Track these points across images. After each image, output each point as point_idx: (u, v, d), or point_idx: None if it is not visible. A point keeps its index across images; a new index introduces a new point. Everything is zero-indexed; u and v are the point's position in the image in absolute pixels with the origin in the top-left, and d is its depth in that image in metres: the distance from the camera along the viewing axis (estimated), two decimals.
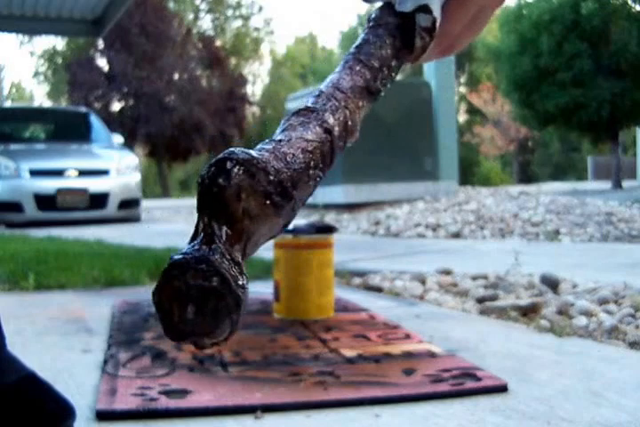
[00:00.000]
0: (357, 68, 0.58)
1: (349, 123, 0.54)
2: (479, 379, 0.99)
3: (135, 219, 7.30)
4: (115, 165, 7.13)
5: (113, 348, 1.21)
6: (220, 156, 0.47)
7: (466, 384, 0.97)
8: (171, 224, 7.27)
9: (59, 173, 6.77)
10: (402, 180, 7.11)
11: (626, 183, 13.02)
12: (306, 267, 1.47)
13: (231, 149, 0.49)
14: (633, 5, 12.43)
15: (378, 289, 2.04)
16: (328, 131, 0.52)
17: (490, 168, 36.32)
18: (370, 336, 1.29)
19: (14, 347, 0.81)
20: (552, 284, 1.93)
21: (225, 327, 0.44)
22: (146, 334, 1.32)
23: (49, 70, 35.78)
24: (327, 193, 7.02)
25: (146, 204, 8.93)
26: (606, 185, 12.82)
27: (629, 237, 4.28)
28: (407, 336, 1.29)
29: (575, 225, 4.69)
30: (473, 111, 33.72)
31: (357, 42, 0.61)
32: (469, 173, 30.16)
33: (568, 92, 12.07)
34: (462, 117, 35.19)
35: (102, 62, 28.74)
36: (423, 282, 2.12)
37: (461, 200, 6.21)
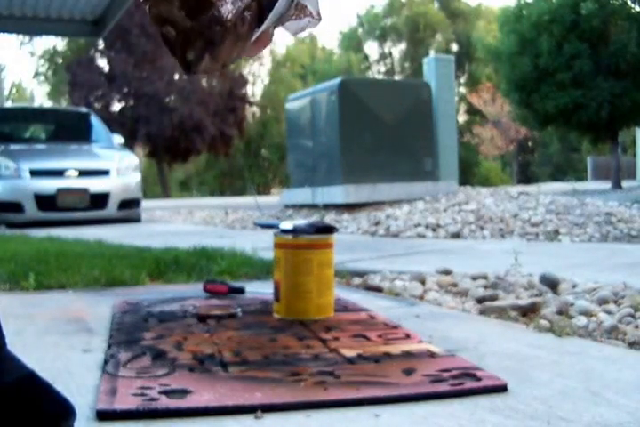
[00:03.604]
0: None
1: None
2: (479, 379, 0.99)
3: (135, 219, 7.30)
4: (115, 165, 7.13)
5: (113, 348, 1.21)
6: None
7: (466, 384, 0.97)
8: (171, 224, 7.28)
9: (59, 173, 6.77)
10: (402, 180, 7.11)
11: (625, 183, 13.03)
12: (306, 267, 1.47)
13: None
14: (633, 6, 12.43)
15: (378, 289, 2.04)
16: None
17: (489, 168, 36.35)
18: (370, 336, 1.29)
19: (14, 347, 0.81)
20: (552, 284, 1.94)
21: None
22: (146, 334, 1.32)
23: (49, 71, 35.83)
24: (327, 193, 7.02)
25: (146, 204, 8.93)
26: (606, 185, 12.82)
27: (629, 237, 4.28)
28: (407, 336, 1.29)
29: (575, 225, 4.70)
30: (473, 111, 33.73)
31: None
32: (469, 174, 30.17)
33: (568, 93, 12.08)
34: (462, 118, 35.22)
35: (102, 63, 28.78)
36: (423, 282, 2.12)
37: (461, 200, 6.22)
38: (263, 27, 0.70)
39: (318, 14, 0.76)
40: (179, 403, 0.89)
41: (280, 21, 0.74)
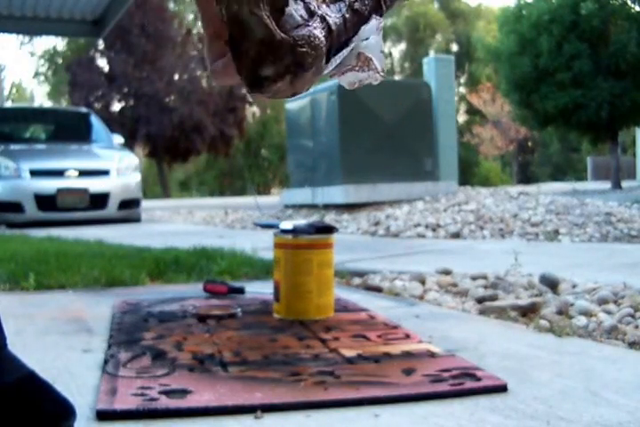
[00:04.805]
0: None
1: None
2: (479, 379, 0.99)
3: (135, 219, 7.30)
4: (115, 165, 7.13)
5: (113, 348, 1.21)
6: None
7: (465, 384, 0.97)
8: (171, 224, 7.28)
9: (59, 173, 6.77)
10: (402, 180, 7.11)
11: (625, 183, 13.02)
12: (306, 267, 1.47)
13: None
14: (632, 6, 12.42)
15: (378, 289, 2.04)
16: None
17: (489, 168, 36.33)
18: (370, 336, 1.29)
19: (15, 347, 0.81)
20: (552, 284, 1.94)
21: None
22: (146, 334, 1.32)
23: (49, 71, 35.82)
24: (327, 193, 7.02)
25: (146, 204, 8.93)
26: (605, 185, 12.82)
27: (629, 238, 4.28)
28: (407, 336, 1.29)
29: (575, 225, 4.70)
30: (473, 111, 33.72)
31: None
32: (469, 174, 30.16)
33: (567, 93, 12.07)
34: (462, 118, 35.20)
35: (102, 63, 28.76)
36: (423, 282, 2.12)
37: (461, 200, 6.22)
38: (326, 71, 0.67)
39: (383, 70, 0.73)
40: (179, 403, 0.89)
41: (339, 70, 0.68)
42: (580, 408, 0.88)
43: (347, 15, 0.67)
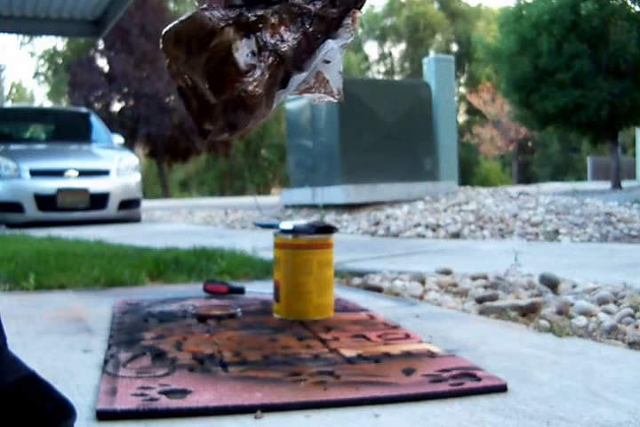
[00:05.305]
0: None
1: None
2: (479, 379, 0.99)
3: (135, 219, 7.30)
4: (115, 165, 7.13)
5: (113, 348, 1.21)
6: None
7: (465, 384, 0.97)
8: (171, 224, 7.27)
9: (59, 173, 6.76)
10: (402, 180, 7.11)
11: (625, 183, 13.03)
12: (306, 267, 1.47)
13: None
14: (633, 6, 12.42)
15: (378, 289, 2.04)
16: None
17: (489, 168, 36.33)
18: (370, 336, 1.29)
19: (15, 347, 0.81)
20: (551, 284, 1.94)
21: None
22: (146, 334, 1.32)
23: (49, 71, 35.80)
24: (327, 193, 7.02)
25: (146, 204, 8.93)
26: (605, 185, 12.82)
27: (629, 238, 4.28)
28: (407, 336, 1.29)
29: (575, 225, 4.70)
30: (473, 111, 33.71)
31: None
32: (469, 174, 30.16)
33: (567, 93, 12.08)
34: (462, 118, 35.20)
35: (102, 63, 28.74)
36: (423, 282, 2.12)
37: (461, 200, 6.22)
38: (283, 95, 0.70)
39: (339, 93, 0.74)
40: (179, 403, 0.89)
41: (298, 88, 0.72)
42: (580, 408, 0.88)
43: (310, 29, 0.68)
